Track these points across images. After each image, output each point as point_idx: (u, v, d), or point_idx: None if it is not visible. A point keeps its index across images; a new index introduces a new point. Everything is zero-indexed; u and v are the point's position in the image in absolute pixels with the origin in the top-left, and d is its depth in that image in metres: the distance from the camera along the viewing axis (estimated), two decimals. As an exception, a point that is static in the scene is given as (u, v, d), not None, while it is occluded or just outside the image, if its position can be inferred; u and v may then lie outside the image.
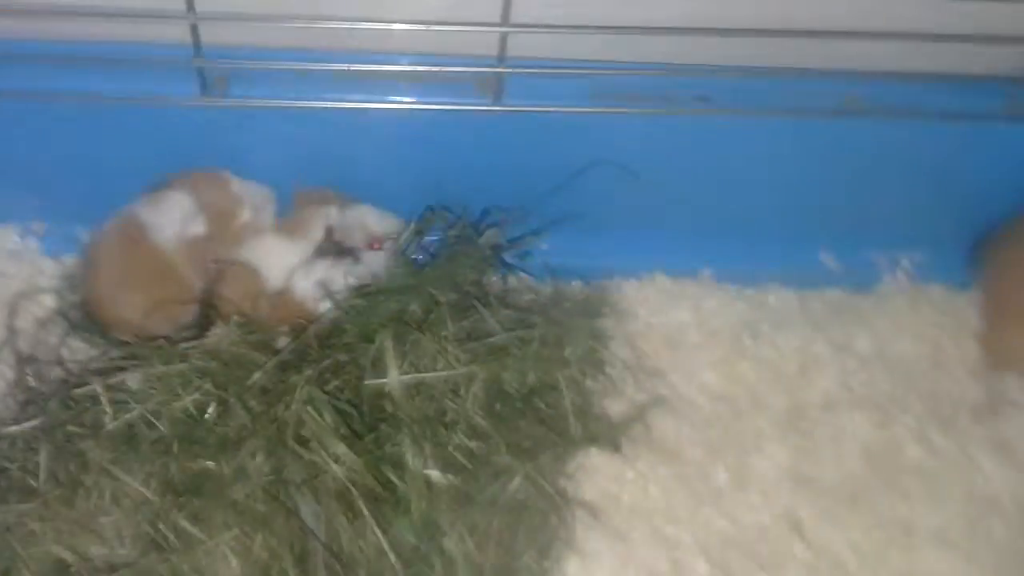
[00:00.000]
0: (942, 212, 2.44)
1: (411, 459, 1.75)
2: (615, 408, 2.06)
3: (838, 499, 2.05)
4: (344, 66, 2.07)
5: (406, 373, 1.79)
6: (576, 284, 2.27)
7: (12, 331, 2.16)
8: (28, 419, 1.85)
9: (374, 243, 2.13)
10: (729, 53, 2.12)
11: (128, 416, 1.77)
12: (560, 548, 1.88)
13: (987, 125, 2.24)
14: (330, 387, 1.88)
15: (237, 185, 2.16)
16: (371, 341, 1.83)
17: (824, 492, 2.06)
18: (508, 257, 2.13)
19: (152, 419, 1.79)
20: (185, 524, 1.71)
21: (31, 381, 2.06)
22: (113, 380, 1.80)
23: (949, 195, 2.41)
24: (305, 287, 2.05)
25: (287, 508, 1.76)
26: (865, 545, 2.05)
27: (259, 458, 1.78)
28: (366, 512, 1.73)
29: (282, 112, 2.11)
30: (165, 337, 1.98)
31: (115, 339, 2.11)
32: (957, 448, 2.21)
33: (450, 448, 1.78)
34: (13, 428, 1.78)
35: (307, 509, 1.74)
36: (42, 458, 1.75)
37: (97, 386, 1.78)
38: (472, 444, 1.78)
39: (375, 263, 2.13)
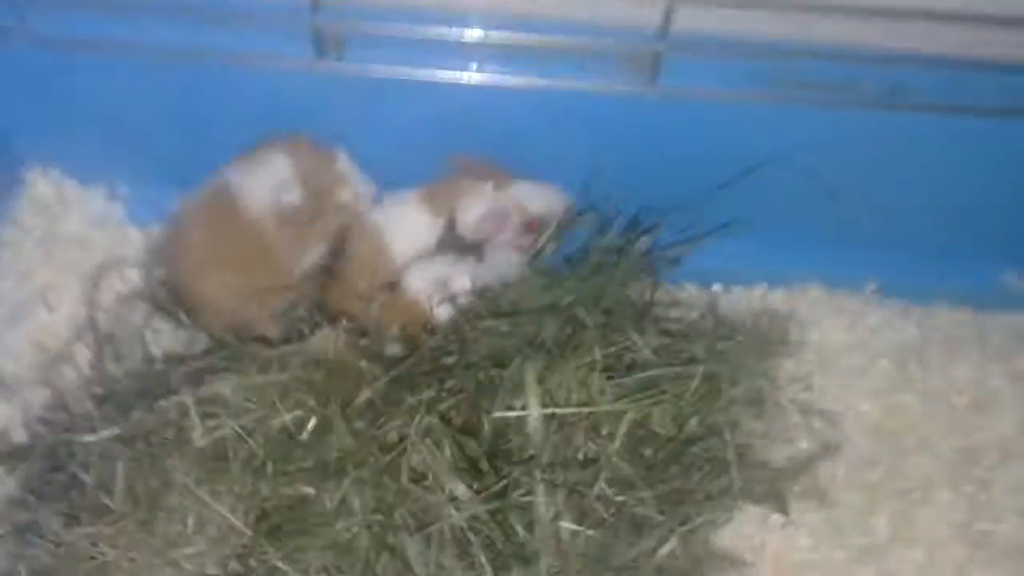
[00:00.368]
0: None
1: (542, 507, 1.48)
2: (777, 454, 1.75)
3: (1018, 562, 1.81)
4: (476, 33, 1.77)
5: (544, 406, 1.50)
6: (737, 303, 1.96)
7: (93, 307, 1.93)
8: (106, 421, 1.61)
9: (531, 224, 1.83)
10: (928, 39, 1.79)
11: (219, 432, 1.51)
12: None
13: None
14: (442, 407, 1.60)
15: (341, 161, 1.89)
16: (502, 365, 1.54)
17: (1002, 554, 1.83)
18: (658, 266, 1.81)
19: (244, 435, 1.54)
20: (279, 563, 1.46)
21: (110, 369, 1.84)
22: (204, 392, 1.54)
23: None
24: (420, 285, 1.77)
25: (392, 550, 1.50)
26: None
27: (364, 489, 1.52)
28: (486, 565, 1.47)
29: (401, 83, 1.84)
30: (262, 338, 1.73)
31: (202, 325, 1.88)
32: None
33: (588, 497, 1.49)
34: (89, 438, 1.55)
35: (416, 555, 1.49)
36: (119, 473, 1.52)
37: (186, 398, 1.53)
38: (613, 493, 1.50)
39: (503, 265, 1.84)
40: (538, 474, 1.48)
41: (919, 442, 1.97)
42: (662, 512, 1.54)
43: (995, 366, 2.06)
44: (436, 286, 1.78)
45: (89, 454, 1.58)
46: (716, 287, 2.14)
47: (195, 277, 1.86)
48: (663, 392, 1.55)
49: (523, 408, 1.53)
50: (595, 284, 1.64)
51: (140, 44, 1.81)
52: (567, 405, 1.54)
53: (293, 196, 1.83)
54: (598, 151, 1.87)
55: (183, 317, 1.94)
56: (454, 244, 1.85)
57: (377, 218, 1.92)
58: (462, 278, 1.78)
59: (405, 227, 1.90)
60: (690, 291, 2.03)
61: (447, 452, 1.53)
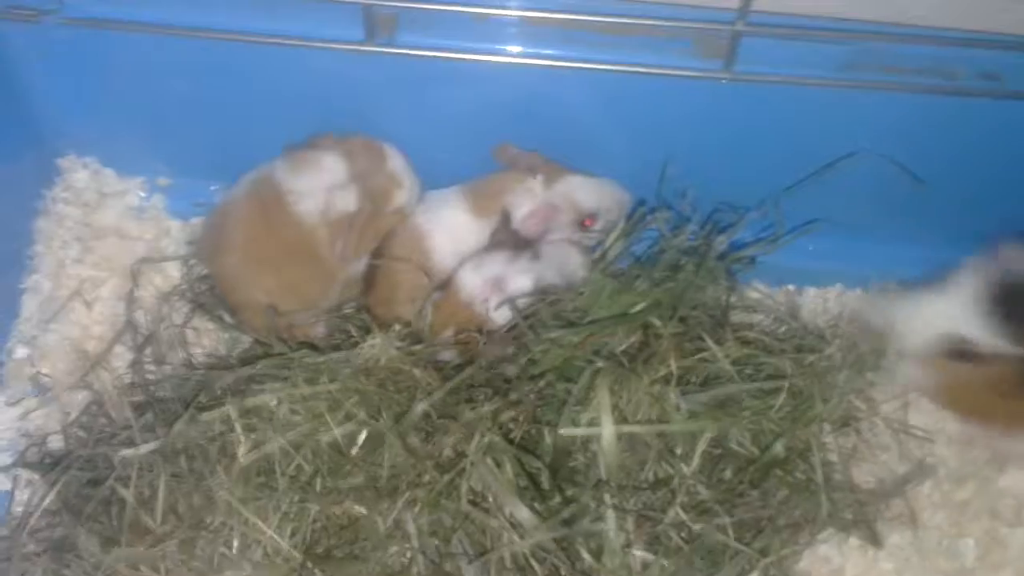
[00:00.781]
0: None
1: (612, 534, 1.36)
2: (865, 474, 1.62)
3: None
4: (536, 12, 1.63)
5: (615, 423, 1.38)
6: (813, 306, 1.81)
7: (132, 305, 1.84)
8: (146, 431, 1.52)
9: (586, 220, 1.70)
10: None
11: (265, 447, 1.41)
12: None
13: None
14: (501, 419, 1.49)
15: (395, 159, 1.76)
16: (568, 378, 1.42)
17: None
18: (735, 267, 1.67)
19: (291, 449, 1.43)
20: (330, 593, 1.37)
21: (150, 373, 1.74)
22: (248, 402, 1.44)
23: None
24: (474, 284, 1.65)
25: (449, 576, 1.40)
26: None
27: (419, 511, 1.41)
28: (550, 596, 1.35)
29: (455, 66, 1.71)
30: (309, 344, 1.62)
31: (245, 326, 1.77)
32: None
33: (662, 523, 1.37)
34: (128, 452, 1.45)
35: (475, 583, 1.38)
36: (160, 491, 1.42)
37: (231, 409, 1.43)
38: (690, 519, 1.37)
39: (562, 262, 1.71)
40: (608, 498, 1.36)
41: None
42: (742, 540, 1.41)
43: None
44: (492, 286, 1.65)
45: (128, 467, 1.48)
46: (788, 287, 2.00)
47: (237, 277, 1.75)
48: (744, 409, 1.41)
49: (591, 425, 1.40)
50: (670, 289, 1.50)
51: (179, 27, 1.69)
52: (639, 422, 1.41)
53: (348, 201, 1.71)
54: (668, 142, 1.73)
55: (226, 316, 1.84)
56: (508, 240, 1.72)
57: (418, 220, 1.81)
58: (520, 277, 1.65)
59: (448, 229, 1.80)
60: (760, 291, 1.89)
61: (508, 471, 1.41)
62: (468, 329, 1.65)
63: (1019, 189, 1.85)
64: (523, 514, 1.38)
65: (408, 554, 1.41)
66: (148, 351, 1.83)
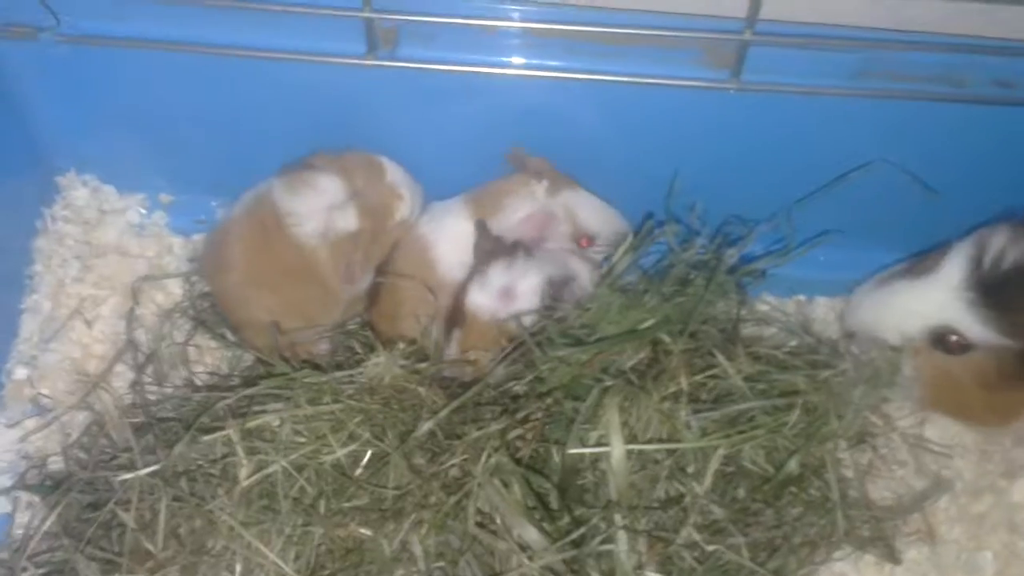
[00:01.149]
0: None
1: (623, 555, 1.33)
2: (882, 490, 1.59)
3: None
4: (540, 24, 1.61)
5: (625, 442, 1.35)
6: (824, 316, 1.78)
7: (133, 324, 1.81)
8: (146, 453, 1.49)
9: (582, 240, 1.67)
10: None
11: (267, 469, 1.38)
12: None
13: None
14: (508, 438, 1.46)
15: (393, 173, 1.74)
16: (576, 396, 1.39)
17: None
18: (745, 280, 1.64)
19: (294, 471, 1.40)
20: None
21: (151, 393, 1.71)
22: (250, 423, 1.41)
23: None
24: (488, 303, 1.61)
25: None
26: None
27: (425, 532, 1.38)
28: (561, 618, 1.32)
29: (457, 79, 1.69)
30: (313, 363, 1.59)
31: (247, 344, 1.74)
32: None
33: (674, 544, 1.34)
34: (129, 475, 1.42)
35: (483, 606, 1.34)
36: (161, 515, 1.39)
37: (232, 431, 1.40)
38: (703, 539, 1.34)
39: (559, 258, 1.68)
40: (619, 518, 1.33)
41: (1025, 470, 1.79)
42: (757, 560, 1.38)
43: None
44: (504, 297, 1.62)
45: (129, 490, 1.45)
46: (798, 298, 1.97)
47: (238, 296, 1.73)
48: (757, 426, 1.38)
49: (601, 444, 1.37)
50: (679, 304, 1.47)
51: (179, 42, 1.67)
52: (649, 440, 1.38)
53: (348, 221, 1.69)
54: (676, 154, 1.71)
55: (228, 334, 1.82)
56: (495, 249, 1.68)
57: (422, 231, 1.78)
58: (527, 277, 1.62)
59: (452, 239, 1.76)
60: (770, 303, 1.85)
61: (516, 492, 1.38)
62: (502, 344, 1.61)
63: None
64: (532, 536, 1.35)
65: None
66: (149, 370, 1.80)
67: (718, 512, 1.37)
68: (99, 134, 1.94)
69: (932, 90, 1.65)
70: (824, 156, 1.70)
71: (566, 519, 1.39)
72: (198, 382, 1.77)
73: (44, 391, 1.82)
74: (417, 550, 1.39)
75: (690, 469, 1.39)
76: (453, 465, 1.45)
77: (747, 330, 1.62)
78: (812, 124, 1.69)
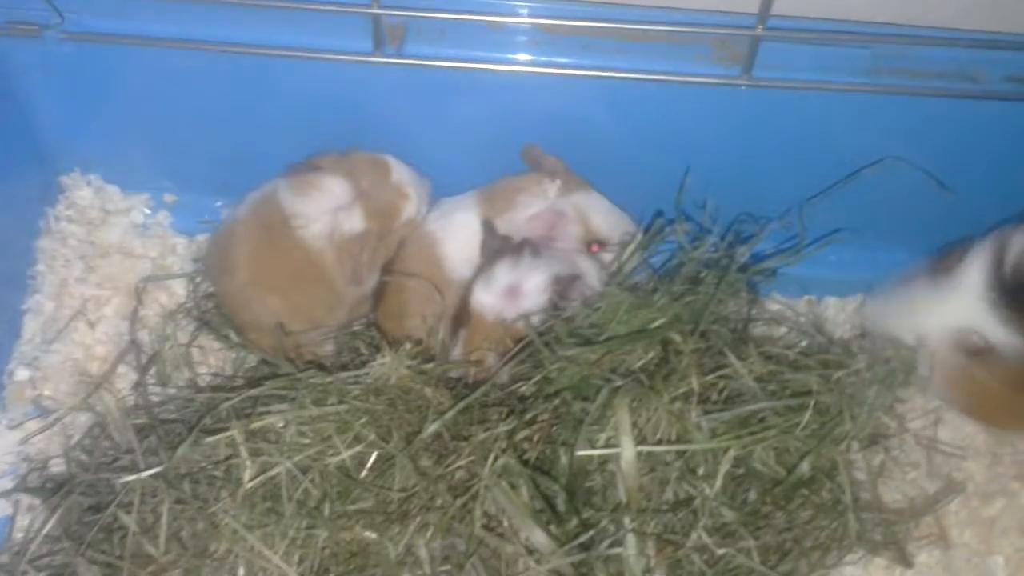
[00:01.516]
0: None
1: (632, 559, 1.30)
2: (893, 492, 1.56)
3: None
4: (549, 20, 1.59)
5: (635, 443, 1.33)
6: (835, 317, 1.76)
7: (136, 325, 1.80)
8: (149, 455, 1.48)
9: (592, 246, 1.65)
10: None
11: (271, 471, 1.36)
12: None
13: None
14: (515, 441, 1.44)
15: (399, 172, 1.72)
16: (584, 397, 1.37)
17: None
18: (756, 279, 1.62)
19: (298, 473, 1.38)
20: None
21: (154, 394, 1.69)
22: (254, 424, 1.39)
23: None
24: (493, 303, 1.59)
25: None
26: None
27: (431, 535, 1.36)
28: (569, 623, 1.30)
29: (467, 75, 1.67)
30: (318, 364, 1.57)
31: (251, 345, 1.72)
32: None
33: (684, 547, 1.31)
34: (131, 477, 1.40)
35: (490, 610, 1.32)
36: (163, 517, 1.37)
37: (236, 432, 1.38)
38: (713, 542, 1.31)
39: (566, 256, 1.66)
40: (628, 521, 1.30)
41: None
42: (767, 564, 1.35)
43: None
44: (510, 296, 1.60)
45: (130, 492, 1.43)
46: (808, 298, 1.95)
47: (243, 298, 1.71)
48: (768, 427, 1.36)
49: (609, 445, 1.35)
50: (690, 303, 1.44)
51: (183, 40, 1.65)
52: (659, 441, 1.35)
53: (354, 222, 1.67)
54: (687, 151, 1.69)
55: (232, 335, 1.80)
56: (502, 247, 1.66)
57: (430, 228, 1.76)
58: (533, 276, 1.60)
59: (460, 236, 1.74)
60: (780, 302, 1.83)
61: (523, 494, 1.35)
62: (508, 344, 1.59)
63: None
64: (539, 538, 1.33)
65: (420, 579, 1.35)
66: (152, 371, 1.78)
67: (728, 515, 1.35)
68: (103, 133, 1.92)
69: (946, 86, 1.63)
70: (836, 153, 1.68)
71: (574, 522, 1.36)
72: (201, 383, 1.75)
73: (46, 392, 1.80)
74: (423, 553, 1.37)
75: (700, 471, 1.37)
76: (460, 467, 1.43)
77: (757, 330, 1.60)
78: (824, 121, 1.67)
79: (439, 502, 1.41)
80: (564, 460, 1.42)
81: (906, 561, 1.46)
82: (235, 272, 1.72)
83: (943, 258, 1.61)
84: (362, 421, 1.46)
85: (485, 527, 1.36)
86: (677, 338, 1.39)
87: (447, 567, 1.37)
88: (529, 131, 1.75)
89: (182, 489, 1.42)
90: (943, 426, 1.68)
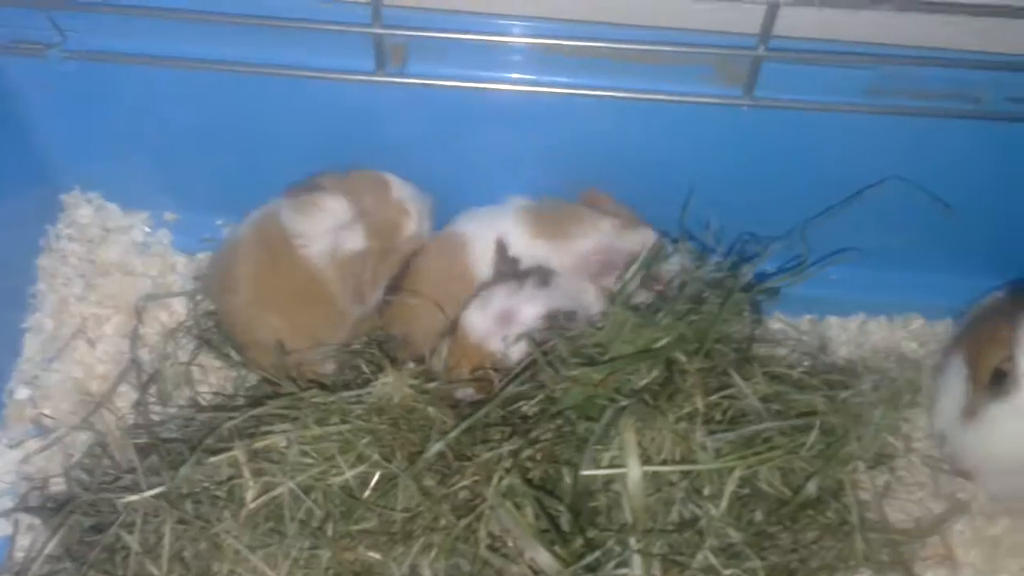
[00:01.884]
0: None
1: (638, 580, 1.29)
2: (899, 512, 1.56)
3: None
4: (551, 40, 1.59)
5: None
6: (837, 336, 1.76)
7: (137, 343, 1.79)
8: (151, 474, 1.47)
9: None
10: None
11: (274, 493, 1.35)
12: None
13: None
14: (521, 459, 1.43)
15: (400, 189, 1.72)
16: (589, 417, 1.37)
17: None
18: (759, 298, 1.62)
19: (301, 493, 1.38)
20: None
21: (155, 413, 1.69)
22: (256, 444, 1.38)
23: None
24: (482, 324, 1.59)
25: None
26: None
27: (435, 555, 1.35)
28: (574, 645, 1.29)
29: (469, 95, 1.68)
30: (320, 383, 1.57)
31: (252, 364, 1.72)
32: None
33: (690, 568, 1.31)
34: (133, 497, 1.39)
35: (494, 633, 1.31)
36: (166, 538, 1.37)
37: (238, 452, 1.37)
38: (720, 563, 1.31)
39: (573, 289, 1.66)
40: (633, 542, 1.30)
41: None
42: (777, 584, 1.34)
43: None
44: (500, 322, 1.59)
45: (133, 512, 1.43)
46: (809, 317, 1.95)
47: (244, 317, 1.71)
48: (774, 447, 1.35)
49: (614, 465, 1.34)
50: (694, 323, 1.45)
51: (185, 59, 1.65)
52: (664, 462, 1.35)
53: (356, 241, 1.68)
54: (689, 171, 1.69)
55: (232, 354, 1.79)
56: (508, 271, 1.66)
57: (461, 228, 1.75)
58: (528, 306, 1.59)
59: (493, 242, 1.72)
60: (783, 321, 1.83)
61: (528, 514, 1.35)
62: (484, 368, 1.59)
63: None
64: (545, 559, 1.32)
65: (424, 601, 1.34)
66: (153, 390, 1.77)
67: (734, 535, 1.34)
68: (104, 151, 1.92)
69: (947, 107, 1.63)
70: (838, 173, 1.69)
71: (579, 542, 1.35)
72: (202, 402, 1.74)
73: (46, 411, 1.79)
74: (427, 574, 1.36)
75: (706, 491, 1.36)
76: (463, 487, 1.42)
77: (760, 349, 1.60)
78: (826, 141, 1.67)
79: (443, 522, 1.40)
80: (568, 480, 1.41)
81: (913, 576, 1.46)
82: (237, 291, 1.71)
83: None
84: (365, 441, 1.45)
85: (489, 547, 1.35)
86: (682, 358, 1.39)
87: (450, 587, 1.35)
88: (530, 150, 1.75)
89: (184, 509, 1.41)
90: (947, 446, 1.68)
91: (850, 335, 1.92)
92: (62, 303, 1.91)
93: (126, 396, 1.80)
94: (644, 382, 1.41)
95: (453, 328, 1.64)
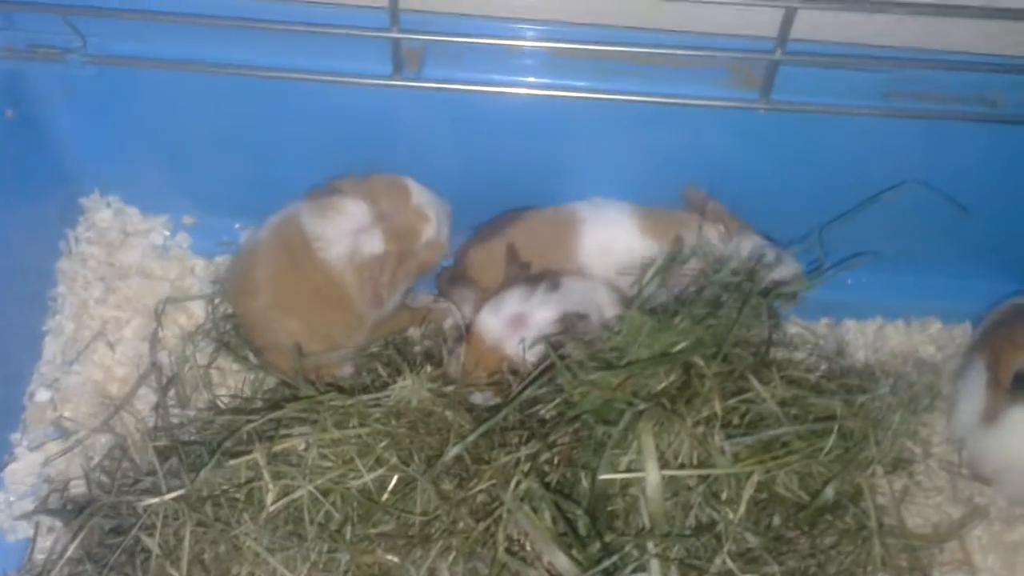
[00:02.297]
0: None
1: (656, 584, 1.29)
2: (917, 517, 1.55)
3: None
4: (568, 44, 1.60)
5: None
6: (854, 341, 1.76)
7: (156, 346, 1.80)
8: (171, 477, 1.47)
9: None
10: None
11: (294, 496, 1.36)
12: None
13: None
14: (538, 463, 1.43)
15: (419, 194, 1.73)
16: (606, 421, 1.37)
17: None
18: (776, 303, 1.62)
19: (320, 496, 1.39)
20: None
21: (174, 416, 1.70)
22: (276, 447, 1.39)
23: None
24: (496, 328, 1.60)
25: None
26: None
27: (453, 559, 1.36)
28: (592, 649, 1.29)
29: (485, 98, 1.69)
30: (338, 387, 1.58)
31: (270, 367, 1.73)
32: None
33: (708, 573, 1.31)
34: (153, 500, 1.40)
35: (513, 637, 1.31)
36: (186, 540, 1.37)
37: (258, 456, 1.38)
38: (738, 567, 1.31)
39: (585, 292, 1.66)
40: (651, 546, 1.30)
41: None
42: (794, 589, 1.34)
43: None
44: (513, 325, 1.60)
45: (153, 515, 1.44)
46: (825, 320, 1.95)
47: (263, 321, 1.72)
48: (791, 452, 1.35)
49: (631, 469, 1.34)
50: (711, 327, 1.45)
51: (204, 63, 1.67)
52: (681, 466, 1.35)
53: (374, 244, 1.68)
54: (706, 175, 1.69)
55: (251, 357, 1.80)
56: (520, 276, 1.67)
57: (575, 209, 1.76)
58: (541, 310, 1.60)
59: (605, 229, 1.74)
60: (799, 325, 1.82)
61: (546, 518, 1.35)
62: (497, 372, 1.60)
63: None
64: (563, 562, 1.32)
65: (443, 605, 1.35)
66: (172, 393, 1.79)
67: (752, 540, 1.34)
68: (124, 155, 1.93)
69: (964, 110, 1.63)
70: (855, 177, 1.69)
71: (597, 546, 1.36)
72: (221, 405, 1.75)
73: (66, 414, 1.80)
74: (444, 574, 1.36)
75: (724, 495, 1.36)
76: (481, 490, 1.43)
77: (777, 353, 1.60)
78: (842, 145, 1.67)
79: (461, 525, 1.40)
80: (586, 484, 1.41)
81: (930, 585, 1.46)
82: (256, 294, 1.72)
83: None
84: (383, 444, 1.46)
85: (507, 551, 1.35)
86: (699, 362, 1.39)
87: (468, 591, 1.36)
88: (547, 154, 1.75)
89: (204, 512, 1.42)
90: (966, 451, 1.67)
91: (867, 339, 1.92)
92: (82, 306, 1.92)
93: (145, 399, 1.81)
94: (662, 386, 1.41)
95: (468, 332, 1.65)
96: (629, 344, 1.44)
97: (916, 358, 1.76)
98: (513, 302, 1.62)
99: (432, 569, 1.38)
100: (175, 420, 1.73)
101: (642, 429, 1.29)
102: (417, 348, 1.82)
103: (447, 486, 1.45)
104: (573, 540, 1.35)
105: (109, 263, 1.97)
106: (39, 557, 1.61)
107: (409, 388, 1.51)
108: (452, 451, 1.44)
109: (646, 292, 1.57)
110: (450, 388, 1.55)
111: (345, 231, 1.69)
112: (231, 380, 1.85)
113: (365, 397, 1.51)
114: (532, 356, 1.59)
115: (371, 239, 1.70)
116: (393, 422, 1.49)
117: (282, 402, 1.58)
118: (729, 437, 1.37)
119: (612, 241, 1.73)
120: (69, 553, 1.50)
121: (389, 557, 1.41)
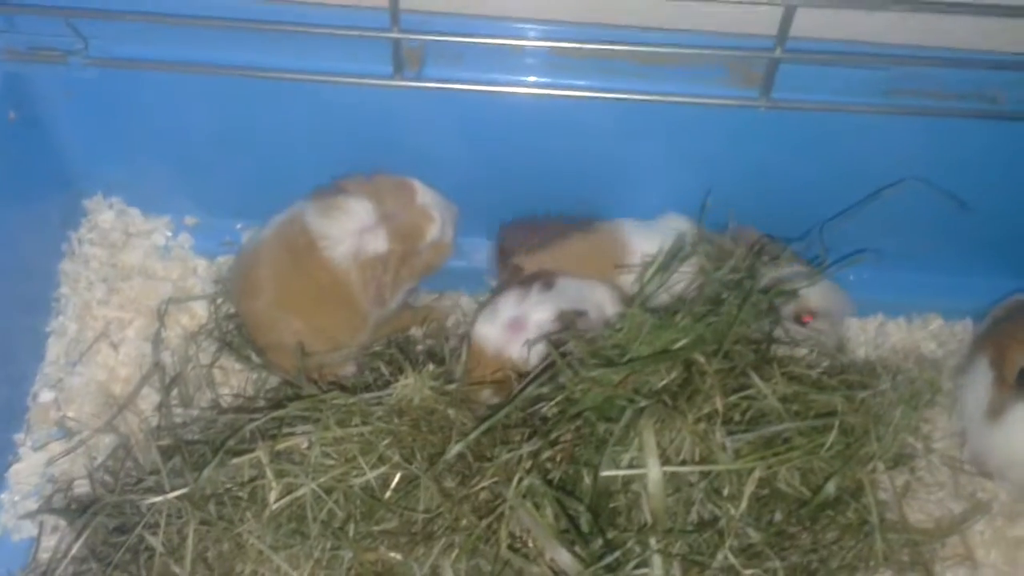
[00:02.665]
0: None
1: (658, 580, 1.30)
2: (918, 512, 1.55)
3: None
4: (568, 43, 1.60)
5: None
6: (855, 337, 1.76)
7: (159, 346, 1.81)
8: (174, 476, 1.48)
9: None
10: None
11: (297, 494, 1.37)
12: None
13: None
14: (540, 460, 1.44)
15: (424, 195, 1.73)
16: (608, 418, 1.37)
17: None
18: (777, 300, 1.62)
19: (323, 494, 1.39)
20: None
21: (177, 415, 1.71)
22: (279, 445, 1.40)
23: None
24: (494, 335, 1.60)
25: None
26: None
27: (456, 556, 1.37)
28: (595, 645, 1.29)
29: (486, 98, 1.69)
30: (340, 385, 1.58)
31: (273, 366, 1.73)
32: None
33: (710, 568, 1.31)
34: (156, 499, 1.41)
35: (516, 634, 1.32)
36: (189, 538, 1.38)
37: (261, 454, 1.38)
38: (740, 563, 1.31)
39: (581, 290, 1.66)
40: (654, 542, 1.30)
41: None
42: (797, 585, 1.35)
43: None
44: (512, 330, 1.60)
45: (156, 514, 1.44)
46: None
47: (266, 320, 1.72)
48: (793, 448, 1.36)
49: (633, 465, 1.35)
50: (712, 324, 1.45)
51: (205, 64, 1.67)
52: (683, 462, 1.36)
53: (379, 244, 1.69)
54: (707, 173, 1.70)
55: (253, 356, 1.81)
56: (512, 279, 1.68)
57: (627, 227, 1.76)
58: (538, 310, 1.61)
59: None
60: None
61: (548, 515, 1.36)
62: (507, 376, 1.60)
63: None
64: (565, 559, 1.33)
65: (446, 602, 1.35)
66: (175, 393, 1.79)
67: (754, 535, 1.34)
68: (126, 157, 1.94)
69: (964, 107, 1.63)
70: (856, 174, 1.69)
71: (599, 542, 1.36)
72: (224, 404, 1.76)
73: (70, 414, 1.81)
74: (448, 574, 1.36)
75: (725, 492, 1.36)
76: (483, 488, 1.43)
77: (778, 350, 1.60)
78: (843, 142, 1.67)
79: (464, 523, 1.41)
80: (588, 481, 1.41)
81: (932, 578, 1.46)
82: (259, 294, 1.73)
83: None
84: (386, 442, 1.46)
85: (510, 548, 1.35)
86: (700, 359, 1.39)
87: (471, 587, 1.36)
88: (548, 154, 1.76)
89: (207, 510, 1.43)
90: (969, 446, 1.68)
91: (869, 336, 1.92)
92: (85, 307, 1.93)
93: (149, 399, 1.81)
94: (663, 383, 1.41)
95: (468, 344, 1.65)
96: (630, 341, 1.45)
97: (917, 354, 1.76)
98: (509, 306, 1.63)
99: (435, 566, 1.39)
100: (178, 419, 1.74)
101: (643, 426, 1.30)
102: (419, 347, 1.82)
103: (449, 484, 1.45)
104: (575, 537, 1.36)
105: (112, 264, 1.98)
106: (43, 556, 1.61)
107: (411, 386, 1.51)
108: (454, 449, 1.44)
109: (647, 290, 1.57)
110: (452, 386, 1.55)
111: (350, 230, 1.69)
112: (234, 379, 1.86)
113: (367, 396, 1.52)
114: (536, 356, 1.59)
115: (375, 238, 1.70)
116: (395, 420, 1.49)
117: (285, 401, 1.58)
118: (730, 433, 1.38)
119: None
120: (73, 552, 1.51)
121: (392, 554, 1.42)
